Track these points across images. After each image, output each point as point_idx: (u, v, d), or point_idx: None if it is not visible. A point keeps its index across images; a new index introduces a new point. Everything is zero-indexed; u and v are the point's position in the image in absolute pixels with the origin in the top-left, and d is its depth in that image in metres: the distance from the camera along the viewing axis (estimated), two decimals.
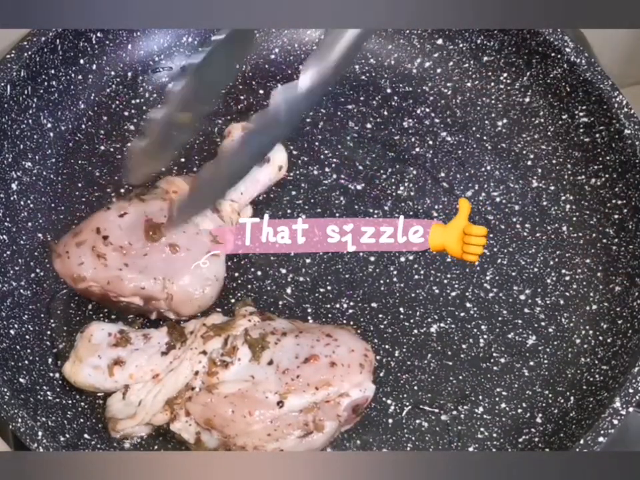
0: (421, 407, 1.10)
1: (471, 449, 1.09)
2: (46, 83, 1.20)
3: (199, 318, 1.09)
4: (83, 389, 1.06)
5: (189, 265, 1.08)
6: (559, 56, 1.23)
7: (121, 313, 1.12)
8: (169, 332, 1.06)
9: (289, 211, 1.21)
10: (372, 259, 1.19)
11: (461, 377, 1.12)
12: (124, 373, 1.03)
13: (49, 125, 1.22)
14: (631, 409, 1.03)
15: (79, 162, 1.22)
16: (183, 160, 1.23)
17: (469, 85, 1.31)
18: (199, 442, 1.03)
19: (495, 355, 1.14)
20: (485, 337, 1.15)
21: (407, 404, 1.10)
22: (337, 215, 1.21)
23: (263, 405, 0.99)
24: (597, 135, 1.21)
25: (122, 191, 1.20)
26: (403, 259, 1.19)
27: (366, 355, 1.04)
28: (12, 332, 1.09)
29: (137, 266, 1.06)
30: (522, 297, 1.18)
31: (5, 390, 0.99)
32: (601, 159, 1.21)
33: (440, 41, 1.31)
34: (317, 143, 1.26)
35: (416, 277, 1.18)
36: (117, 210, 1.09)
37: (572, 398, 1.10)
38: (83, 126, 1.24)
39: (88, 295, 1.09)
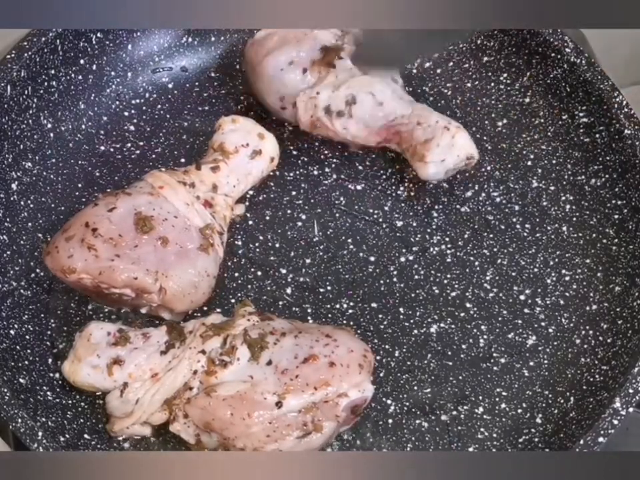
0: (421, 406, 1.10)
1: (470, 449, 1.09)
2: (46, 83, 1.20)
3: (199, 318, 1.09)
4: (82, 389, 1.06)
5: (180, 259, 1.08)
6: (559, 56, 1.23)
7: (112, 305, 1.12)
8: (168, 331, 1.06)
9: (289, 211, 1.21)
10: (372, 259, 1.19)
11: (460, 377, 1.12)
12: (123, 372, 1.03)
13: (49, 125, 1.22)
14: (630, 409, 1.03)
15: (79, 162, 1.22)
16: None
17: (468, 85, 1.31)
18: (199, 443, 1.03)
19: (495, 355, 1.14)
20: (485, 337, 1.15)
21: (407, 404, 1.10)
22: (337, 214, 1.21)
23: (261, 406, 0.99)
24: (597, 135, 1.21)
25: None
26: (402, 259, 1.19)
27: (365, 356, 1.04)
28: (12, 332, 1.09)
29: (128, 257, 1.06)
30: (522, 297, 1.18)
31: (5, 390, 0.99)
32: (600, 159, 1.21)
33: None
34: (316, 143, 1.26)
35: (416, 277, 1.18)
36: (105, 205, 1.09)
37: (572, 398, 1.10)
38: (83, 126, 1.24)
39: (81, 288, 1.09)
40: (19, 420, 0.98)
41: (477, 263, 1.19)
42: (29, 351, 1.09)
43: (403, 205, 1.22)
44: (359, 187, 1.23)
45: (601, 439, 1.01)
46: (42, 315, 1.12)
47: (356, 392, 1.02)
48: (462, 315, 1.16)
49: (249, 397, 1.00)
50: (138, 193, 1.11)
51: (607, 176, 1.21)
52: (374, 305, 1.16)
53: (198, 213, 1.11)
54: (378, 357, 1.12)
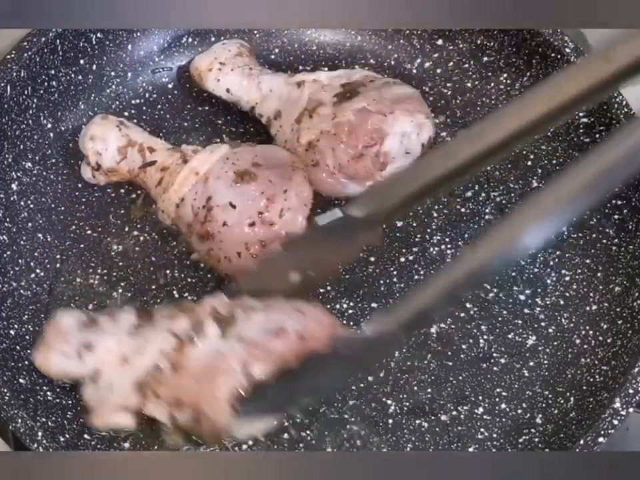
0: (421, 406, 1.10)
1: (471, 449, 1.08)
2: (46, 84, 1.20)
3: None
4: (54, 378, 1.05)
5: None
6: (559, 56, 1.23)
7: None
8: (136, 314, 1.06)
9: None
10: (372, 259, 1.18)
11: (460, 377, 1.12)
12: (93, 357, 1.03)
13: (49, 125, 1.22)
14: (631, 410, 1.02)
15: (79, 162, 1.22)
16: None
17: (468, 85, 1.31)
18: (175, 421, 1.02)
19: (495, 355, 1.14)
20: (485, 337, 1.15)
21: (407, 404, 1.10)
22: None
23: (227, 373, 0.98)
24: (597, 135, 1.21)
25: (122, 191, 1.20)
26: (402, 259, 1.19)
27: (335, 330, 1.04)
28: (12, 332, 1.09)
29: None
30: (522, 297, 1.17)
31: (5, 390, 0.99)
32: None
33: (440, 42, 1.31)
34: None
35: (416, 277, 1.18)
36: None
37: (572, 398, 1.10)
38: (83, 126, 1.24)
39: None
40: (19, 420, 0.98)
41: None
42: (28, 351, 1.08)
43: None
44: None
45: (600, 439, 1.01)
46: (42, 315, 1.12)
47: None
48: (462, 314, 1.16)
49: (215, 366, 0.99)
50: None
51: None
52: (374, 305, 1.16)
53: None
54: None
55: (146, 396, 1.02)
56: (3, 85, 1.13)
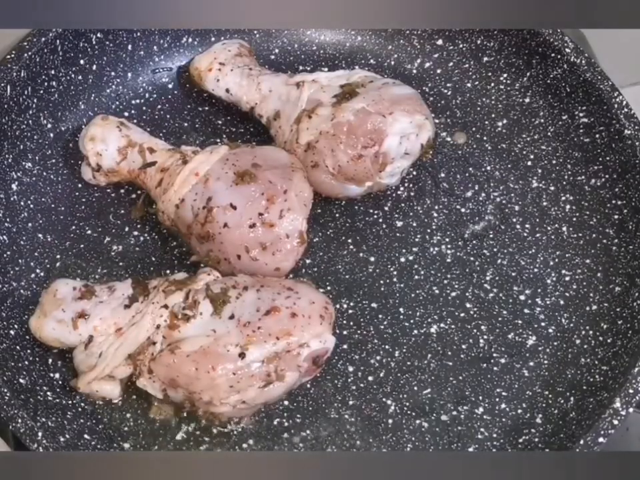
0: (421, 406, 1.10)
1: (470, 449, 1.09)
2: (46, 84, 1.20)
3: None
4: (49, 345, 1.06)
5: None
6: (559, 56, 1.23)
7: None
8: (133, 285, 1.07)
9: None
10: (372, 259, 1.19)
11: (461, 377, 1.12)
12: (88, 326, 1.04)
13: (49, 125, 1.22)
14: (631, 410, 1.03)
15: (79, 162, 1.22)
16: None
17: (469, 85, 1.31)
18: (166, 397, 1.03)
19: (495, 355, 1.14)
20: (485, 337, 1.15)
21: (407, 404, 1.10)
22: (337, 215, 1.21)
23: (224, 358, 1.00)
24: (597, 135, 1.21)
25: (122, 191, 1.20)
26: (403, 259, 1.19)
27: (326, 308, 1.05)
28: (12, 332, 1.09)
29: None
30: (522, 297, 1.18)
31: (5, 390, 0.99)
32: (600, 159, 1.21)
33: (440, 42, 1.31)
34: None
35: (416, 277, 1.18)
36: None
37: (572, 398, 1.10)
38: (83, 126, 1.24)
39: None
40: (19, 420, 0.98)
41: (477, 263, 1.19)
42: (28, 351, 1.08)
43: (402, 205, 1.22)
44: None
45: (600, 439, 1.01)
46: None
47: (317, 342, 1.03)
48: (462, 315, 1.16)
49: (212, 351, 1.00)
50: None
51: (606, 176, 1.21)
52: (374, 305, 1.16)
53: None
54: (378, 357, 1.12)
55: (138, 369, 1.03)
56: (3, 84, 1.13)
